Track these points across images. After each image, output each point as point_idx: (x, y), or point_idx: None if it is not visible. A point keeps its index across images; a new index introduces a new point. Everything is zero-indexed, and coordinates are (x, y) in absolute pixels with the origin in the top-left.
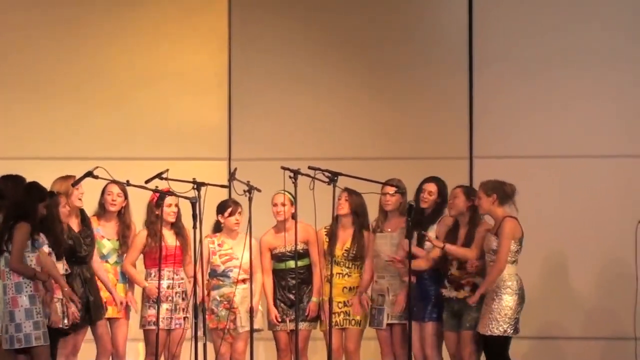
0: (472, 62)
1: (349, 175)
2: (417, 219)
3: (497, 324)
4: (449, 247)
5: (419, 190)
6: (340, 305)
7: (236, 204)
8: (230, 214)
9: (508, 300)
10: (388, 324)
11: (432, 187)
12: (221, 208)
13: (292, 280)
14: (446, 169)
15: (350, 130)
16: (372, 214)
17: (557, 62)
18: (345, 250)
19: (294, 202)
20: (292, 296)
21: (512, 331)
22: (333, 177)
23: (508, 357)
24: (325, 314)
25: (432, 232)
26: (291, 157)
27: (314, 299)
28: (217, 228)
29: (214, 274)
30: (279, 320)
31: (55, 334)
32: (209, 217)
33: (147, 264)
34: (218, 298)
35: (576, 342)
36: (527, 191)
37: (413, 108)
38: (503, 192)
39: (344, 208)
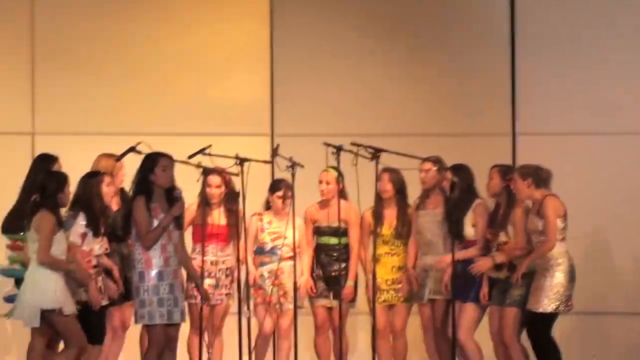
0: (515, 37)
1: (391, 152)
2: (448, 209)
3: (549, 301)
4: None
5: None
6: (389, 282)
7: (288, 188)
8: (280, 197)
9: (560, 277)
10: (430, 299)
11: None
12: (273, 188)
13: (328, 257)
14: (489, 145)
15: (393, 106)
16: (416, 191)
17: (603, 35)
18: (394, 229)
19: (340, 180)
20: (328, 273)
21: (563, 308)
22: (376, 154)
23: (550, 335)
24: (369, 292)
25: (467, 220)
26: (334, 133)
27: (349, 282)
28: (268, 205)
29: (260, 251)
30: (314, 292)
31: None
32: (252, 192)
33: (194, 238)
34: (265, 274)
35: (619, 318)
36: (571, 167)
37: (455, 84)
38: (538, 177)
39: (389, 191)
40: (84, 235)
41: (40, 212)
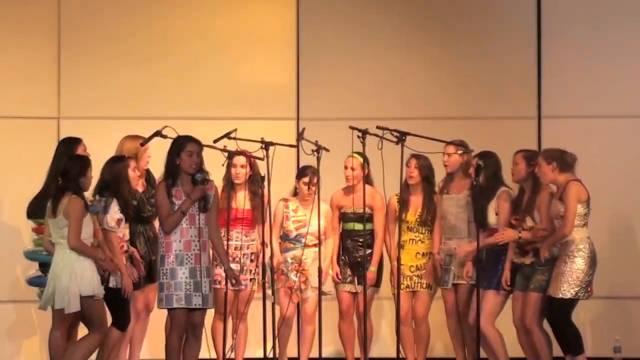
0: (541, 19)
1: (417, 135)
2: (474, 196)
3: (569, 287)
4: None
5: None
6: (412, 269)
7: (314, 174)
8: (305, 183)
9: (580, 263)
10: (454, 284)
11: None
12: (300, 174)
13: (354, 243)
14: (514, 129)
15: (419, 90)
16: (441, 174)
17: (629, 18)
18: (419, 215)
19: (365, 166)
20: (353, 259)
21: (583, 294)
22: (401, 137)
23: (570, 320)
24: (395, 278)
25: (491, 208)
26: (360, 117)
27: (372, 268)
28: (296, 192)
29: (285, 237)
30: (340, 278)
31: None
32: (277, 176)
33: (218, 223)
34: (289, 260)
35: None
36: (596, 151)
37: (481, 67)
38: (563, 161)
39: (415, 177)
40: (119, 221)
41: (68, 196)
